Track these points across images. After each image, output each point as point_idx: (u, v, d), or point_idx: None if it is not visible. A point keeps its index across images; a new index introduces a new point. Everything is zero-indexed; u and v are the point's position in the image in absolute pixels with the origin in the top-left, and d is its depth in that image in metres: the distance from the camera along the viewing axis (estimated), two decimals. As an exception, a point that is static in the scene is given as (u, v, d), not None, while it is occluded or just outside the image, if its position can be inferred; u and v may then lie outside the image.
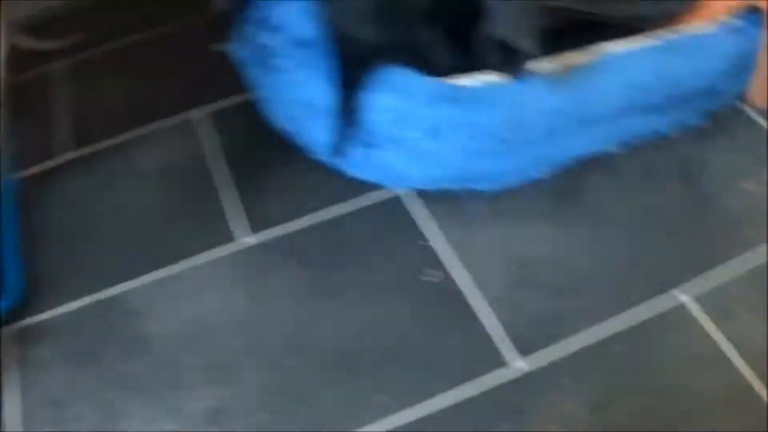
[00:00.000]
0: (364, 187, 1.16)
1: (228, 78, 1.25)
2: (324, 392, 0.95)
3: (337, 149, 1.12)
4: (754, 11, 1.14)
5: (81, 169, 1.28)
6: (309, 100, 1.11)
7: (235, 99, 1.32)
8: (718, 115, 1.25)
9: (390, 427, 0.90)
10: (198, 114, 1.33)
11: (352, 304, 1.03)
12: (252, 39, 1.15)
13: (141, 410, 0.95)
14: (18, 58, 1.33)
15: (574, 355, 0.95)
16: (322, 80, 1.08)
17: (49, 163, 1.29)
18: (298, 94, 1.12)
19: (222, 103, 1.33)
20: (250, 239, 1.12)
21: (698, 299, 0.99)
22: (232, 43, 1.18)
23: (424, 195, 1.14)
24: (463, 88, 1.05)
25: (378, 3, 1.07)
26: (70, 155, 1.30)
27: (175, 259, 1.11)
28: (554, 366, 0.94)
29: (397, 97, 1.06)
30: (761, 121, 1.25)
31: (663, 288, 1.01)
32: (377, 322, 1.01)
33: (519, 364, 0.94)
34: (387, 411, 0.91)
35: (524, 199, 1.12)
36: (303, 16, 1.09)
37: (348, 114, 1.08)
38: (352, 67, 1.06)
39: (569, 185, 1.14)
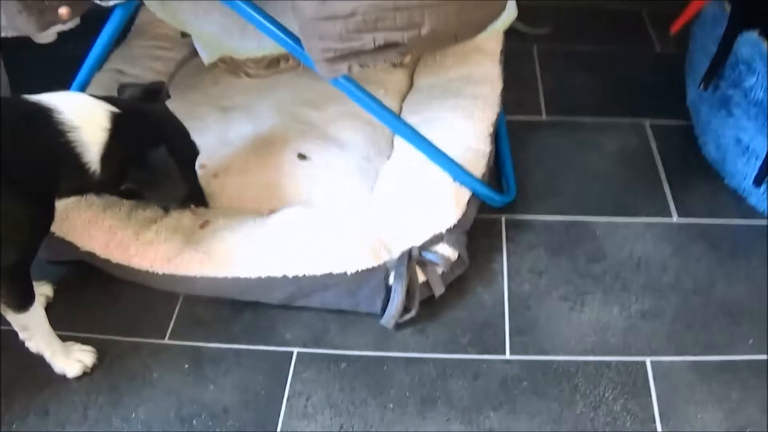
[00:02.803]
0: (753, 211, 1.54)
1: (668, 101, 1.79)
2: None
3: (757, 183, 1.48)
4: None
5: (554, 129, 1.77)
6: (744, 142, 1.50)
7: (672, 119, 1.76)
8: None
9: None
10: (644, 121, 1.77)
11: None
12: (717, 86, 1.55)
13: (601, 300, 1.36)
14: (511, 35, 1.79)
15: None
16: (760, 133, 1.45)
17: (529, 117, 1.80)
18: (736, 135, 1.51)
19: (662, 120, 1.77)
20: (675, 219, 1.52)
21: None
22: (701, 81, 1.57)
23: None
24: None
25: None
26: (545, 117, 1.81)
27: (623, 212, 1.54)
28: None
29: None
30: None
31: None
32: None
33: None
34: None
35: None
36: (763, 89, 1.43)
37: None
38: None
39: None
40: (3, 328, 1.29)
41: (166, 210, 1.40)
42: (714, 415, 1.16)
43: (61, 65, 1.42)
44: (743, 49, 1.46)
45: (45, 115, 1.15)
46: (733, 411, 1.17)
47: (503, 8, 1.19)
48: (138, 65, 1.74)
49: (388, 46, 1.11)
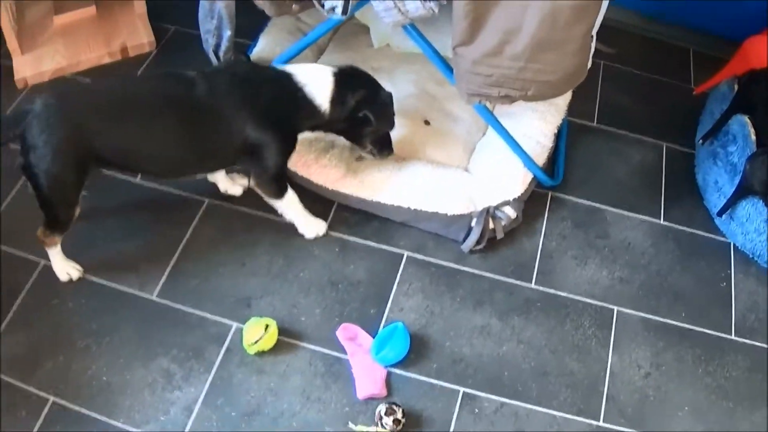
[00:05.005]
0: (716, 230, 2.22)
1: (685, 132, 2.42)
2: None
3: (719, 214, 2.14)
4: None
5: (599, 134, 2.44)
6: (719, 185, 2.16)
7: (683, 147, 2.41)
8: None
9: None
10: (663, 143, 2.42)
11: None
12: (712, 142, 2.22)
13: (597, 264, 2.08)
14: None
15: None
16: (729, 184, 2.11)
17: (584, 121, 2.46)
18: (715, 178, 2.19)
19: (676, 146, 2.42)
20: (661, 221, 2.20)
21: None
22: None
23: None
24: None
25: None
26: (595, 124, 2.46)
27: (628, 208, 2.22)
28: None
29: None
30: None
31: None
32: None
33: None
34: None
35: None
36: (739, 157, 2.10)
37: (729, 206, 2.10)
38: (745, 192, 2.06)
39: None
40: (215, 202, 2.07)
41: (373, 156, 2.03)
42: (644, 353, 1.91)
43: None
44: (734, 125, 2.13)
45: (286, 78, 1.83)
46: (656, 354, 1.91)
47: (584, 76, 1.86)
48: (312, 15, 2.31)
49: (505, 97, 1.81)
